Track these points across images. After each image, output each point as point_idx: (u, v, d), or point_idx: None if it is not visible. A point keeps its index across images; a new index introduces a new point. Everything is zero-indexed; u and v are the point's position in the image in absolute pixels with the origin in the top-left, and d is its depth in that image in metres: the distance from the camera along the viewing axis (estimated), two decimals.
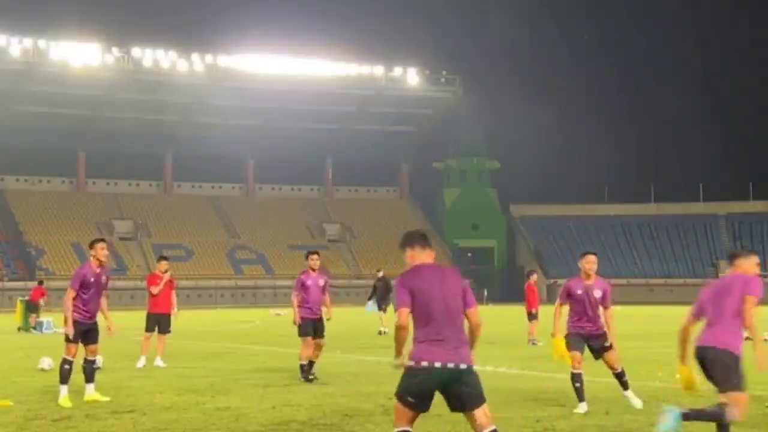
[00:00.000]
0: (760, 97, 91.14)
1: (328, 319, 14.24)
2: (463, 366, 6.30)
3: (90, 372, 11.54)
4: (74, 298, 11.37)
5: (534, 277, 22.92)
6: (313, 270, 14.11)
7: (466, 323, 6.57)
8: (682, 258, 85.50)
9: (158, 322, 16.82)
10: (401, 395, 6.36)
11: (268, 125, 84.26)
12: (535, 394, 11.54)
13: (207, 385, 12.98)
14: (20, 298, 32.56)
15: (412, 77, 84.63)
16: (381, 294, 27.85)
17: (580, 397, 10.35)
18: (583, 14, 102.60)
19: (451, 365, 6.25)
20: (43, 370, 15.22)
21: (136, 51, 76.08)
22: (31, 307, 30.66)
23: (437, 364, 6.27)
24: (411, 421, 6.39)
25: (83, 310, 11.38)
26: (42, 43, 72.80)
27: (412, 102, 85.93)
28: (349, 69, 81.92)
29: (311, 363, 13.83)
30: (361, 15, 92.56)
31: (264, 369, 15.69)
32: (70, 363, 11.39)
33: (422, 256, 6.70)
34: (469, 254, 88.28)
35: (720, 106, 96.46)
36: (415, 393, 6.31)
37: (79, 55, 73.66)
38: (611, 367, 10.81)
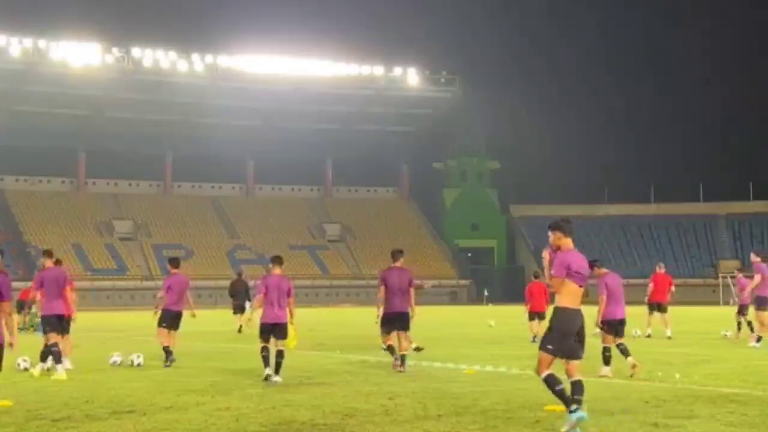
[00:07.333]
0: (761, 97, 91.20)
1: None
2: None
3: None
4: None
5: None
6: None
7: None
8: (682, 258, 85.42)
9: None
10: None
11: (268, 125, 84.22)
12: (535, 395, 11.54)
13: (207, 385, 12.98)
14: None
15: (412, 77, 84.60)
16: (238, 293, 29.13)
17: None
18: (583, 14, 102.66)
19: None
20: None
21: (136, 51, 76.12)
22: (22, 306, 29.39)
23: None
24: None
25: None
26: (42, 43, 72.83)
27: (412, 102, 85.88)
28: (349, 69, 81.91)
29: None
30: (361, 15, 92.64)
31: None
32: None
33: None
34: (469, 254, 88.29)
35: (720, 106, 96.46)
36: None
37: (79, 55, 73.68)
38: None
